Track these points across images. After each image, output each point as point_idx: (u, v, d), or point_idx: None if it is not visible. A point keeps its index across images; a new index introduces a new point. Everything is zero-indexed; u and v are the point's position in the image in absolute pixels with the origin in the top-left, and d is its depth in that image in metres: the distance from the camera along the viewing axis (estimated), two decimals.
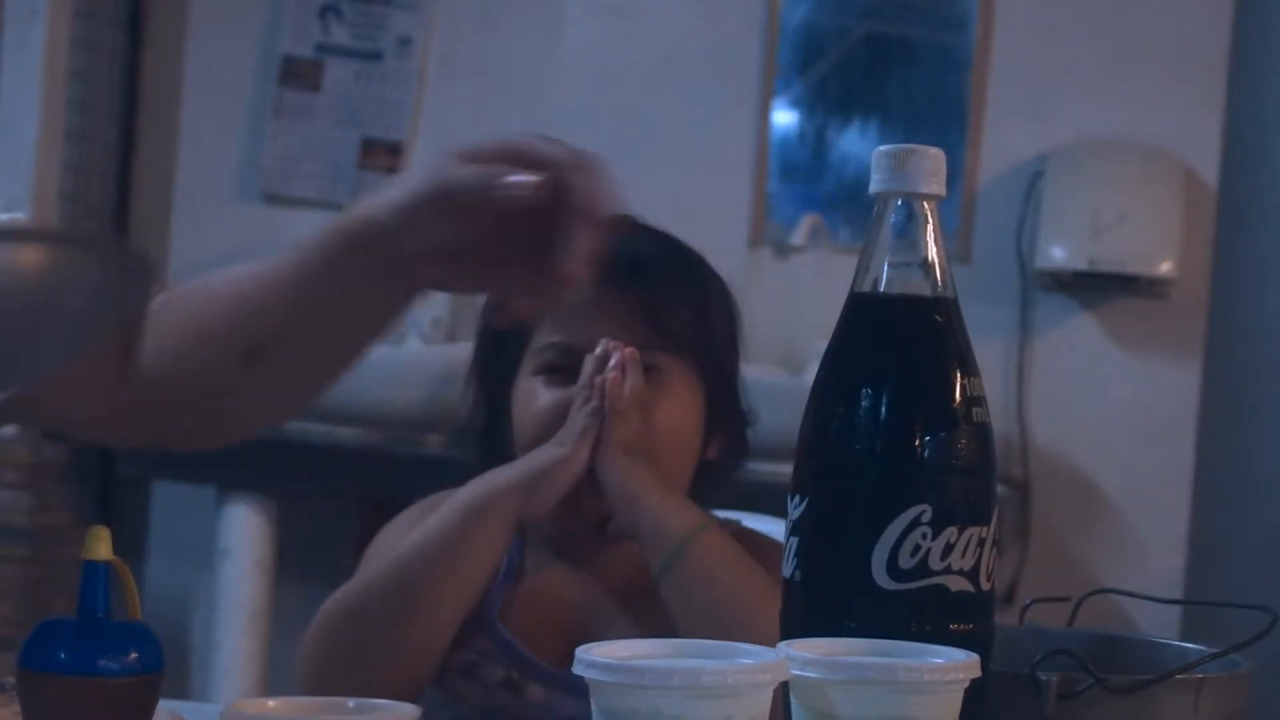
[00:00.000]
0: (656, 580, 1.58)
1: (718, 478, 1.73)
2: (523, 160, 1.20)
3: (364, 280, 1.27)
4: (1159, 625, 3.21)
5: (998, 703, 1.06)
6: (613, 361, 1.60)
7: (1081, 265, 3.59)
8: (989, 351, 3.61)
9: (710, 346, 1.70)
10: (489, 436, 1.73)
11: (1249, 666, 1.15)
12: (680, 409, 1.66)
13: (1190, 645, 1.20)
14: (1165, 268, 3.60)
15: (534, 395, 1.65)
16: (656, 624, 1.60)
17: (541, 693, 1.64)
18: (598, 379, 1.60)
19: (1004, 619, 1.12)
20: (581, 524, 1.65)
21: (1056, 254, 3.61)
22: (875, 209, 1.05)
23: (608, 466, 1.59)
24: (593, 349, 1.61)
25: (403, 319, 1.34)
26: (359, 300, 1.30)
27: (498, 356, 1.71)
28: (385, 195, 1.25)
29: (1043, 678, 1.06)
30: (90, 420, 1.40)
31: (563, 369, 1.64)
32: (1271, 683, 1.36)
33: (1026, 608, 1.29)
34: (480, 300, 1.72)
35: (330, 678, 1.56)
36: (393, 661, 1.58)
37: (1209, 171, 3.69)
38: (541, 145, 1.21)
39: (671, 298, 1.68)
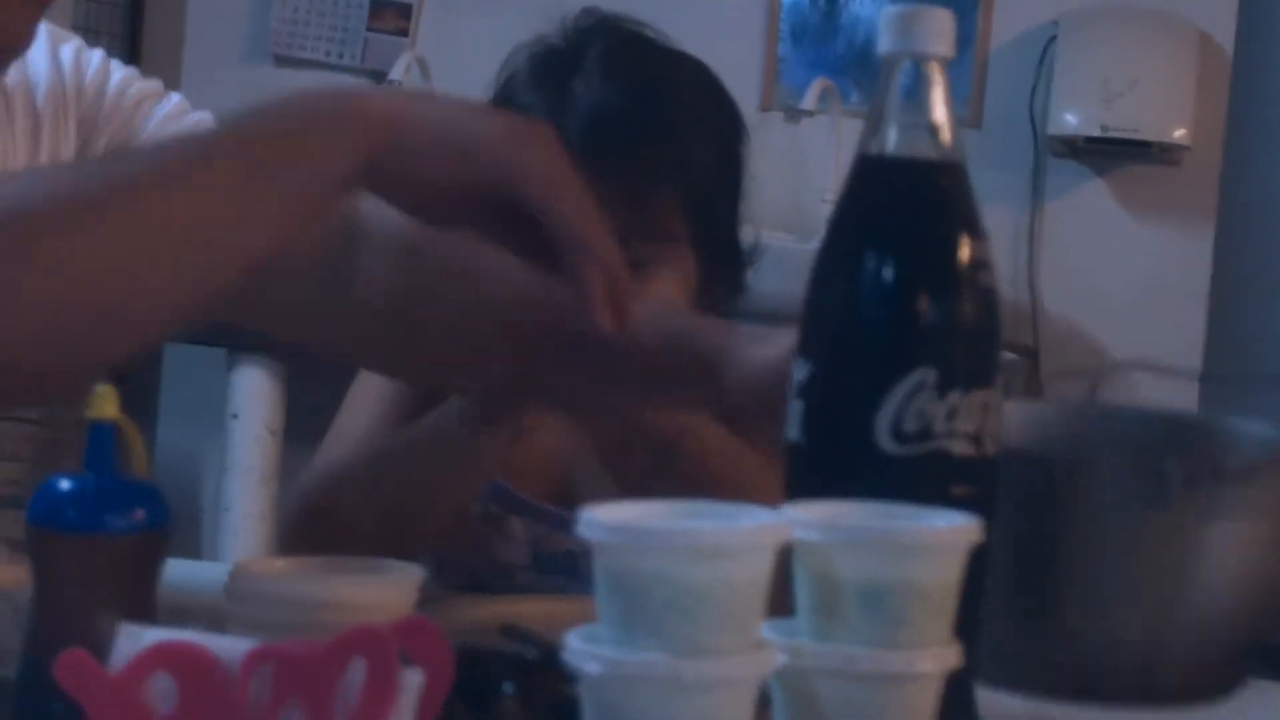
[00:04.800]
0: (652, 476, 1.56)
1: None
2: None
3: None
4: None
5: (1107, 490, 1.07)
6: None
7: (1094, 131, 3.57)
8: (1000, 218, 3.60)
9: (705, 218, 1.66)
10: None
11: None
12: (664, 302, 1.63)
13: (1252, 425, 1.18)
14: (1178, 134, 3.58)
15: None
16: (639, 466, 1.59)
17: (520, 525, 1.64)
18: None
19: None
20: None
21: (1069, 120, 3.59)
22: (882, 71, 1.04)
23: None
24: None
25: None
26: None
27: None
28: None
29: (1170, 467, 1.06)
30: None
31: None
32: None
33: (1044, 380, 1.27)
34: None
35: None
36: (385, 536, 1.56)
37: (1225, 36, 3.66)
38: None
39: (658, 180, 1.63)
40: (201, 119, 1.42)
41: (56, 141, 1.35)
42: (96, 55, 1.42)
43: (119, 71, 1.41)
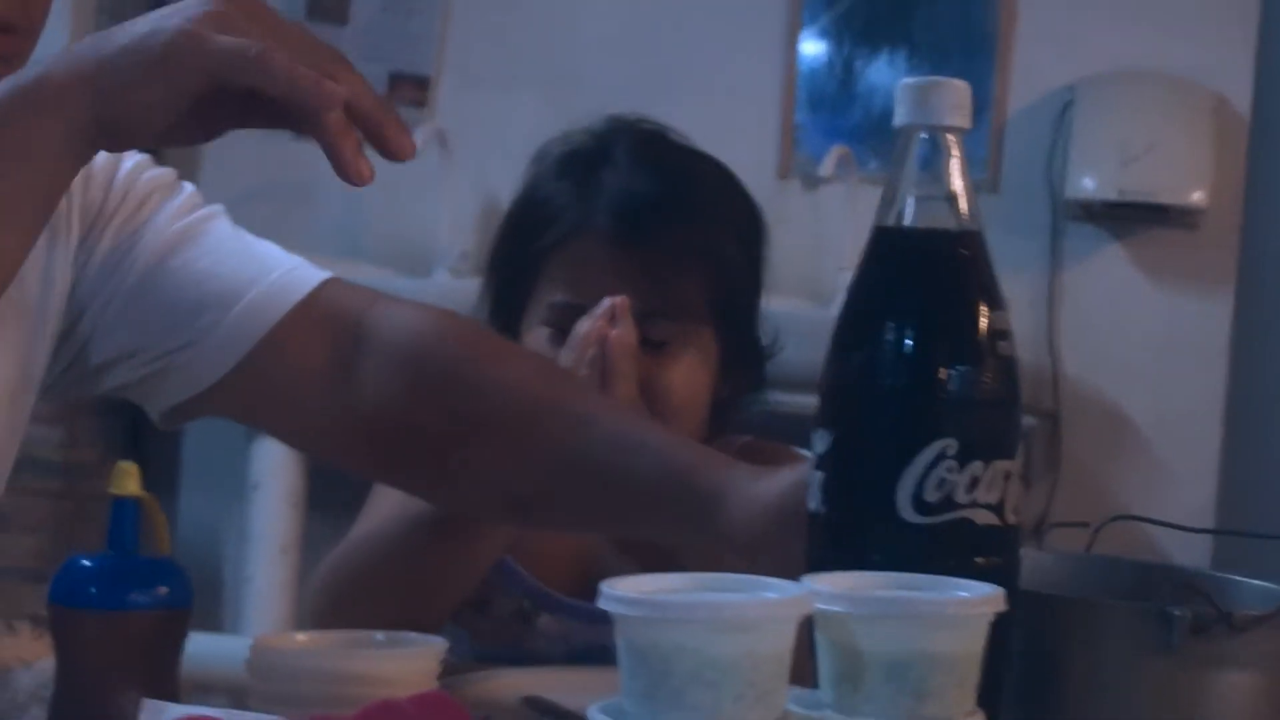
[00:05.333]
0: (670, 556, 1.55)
1: (731, 414, 1.71)
2: None
3: None
4: (1186, 557, 3.21)
5: (1116, 637, 1.07)
6: (601, 310, 1.57)
7: (1111, 195, 3.58)
8: (1019, 283, 3.60)
9: (727, 303, 1.67)
10: None
11: None
12: (688, 380, 1.64)
13: (1259, 581, 1.18)
14: (1196, 197, 3.58)
15: (538, 348, 1.63)
16: (661, 553, 1.60)
17: (551, 622, 1.64)
18: (593, 329, 1.57)
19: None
20: None
21: (1086, 184, 3.59)
22: (899, 142, 1.04)
23: None
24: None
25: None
26: None
27: (505, 300, 1.70)
28: None
29: (1176, 613, 1.05)
30: None
31: (567, 330, 1.61)
32: None
33: (1046, 531, 1.27)
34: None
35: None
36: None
37: (1241, 100, 3.67)
38: None
39: (683, 261, 1.64)
40: (213, 212, 1.41)
41: (55, 227, 1.33)
42: None
43: (130, 159, 1.40)
